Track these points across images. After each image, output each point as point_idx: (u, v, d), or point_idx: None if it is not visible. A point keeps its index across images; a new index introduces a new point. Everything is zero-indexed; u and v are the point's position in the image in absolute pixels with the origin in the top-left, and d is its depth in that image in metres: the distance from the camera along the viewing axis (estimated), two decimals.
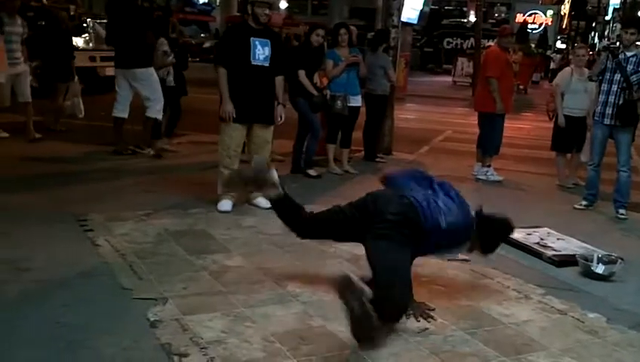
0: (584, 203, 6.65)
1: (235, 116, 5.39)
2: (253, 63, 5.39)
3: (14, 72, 7.82)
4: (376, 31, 9.00)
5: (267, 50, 5.45)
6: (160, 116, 7.58)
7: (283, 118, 5.79)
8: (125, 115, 7.62)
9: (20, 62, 7.89)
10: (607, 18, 52.88)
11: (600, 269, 4.48)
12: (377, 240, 3.43)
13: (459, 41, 33.33)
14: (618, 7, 48.91)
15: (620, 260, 4.58)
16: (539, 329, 3.58)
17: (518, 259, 4.87)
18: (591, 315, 3.81)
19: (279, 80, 5.67)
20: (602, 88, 6.38)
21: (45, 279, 3.82)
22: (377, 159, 8.47)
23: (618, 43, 23.36)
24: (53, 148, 7.69)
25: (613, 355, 3.35)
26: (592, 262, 4.54)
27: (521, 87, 21.14)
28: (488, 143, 7.83)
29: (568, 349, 3.36)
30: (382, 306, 3.05)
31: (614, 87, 6.26)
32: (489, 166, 7.85)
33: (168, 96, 7.68)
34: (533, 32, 36.64)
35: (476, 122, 8.05)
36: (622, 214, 6.35)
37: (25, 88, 7.99)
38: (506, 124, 7.97)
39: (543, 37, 38.32)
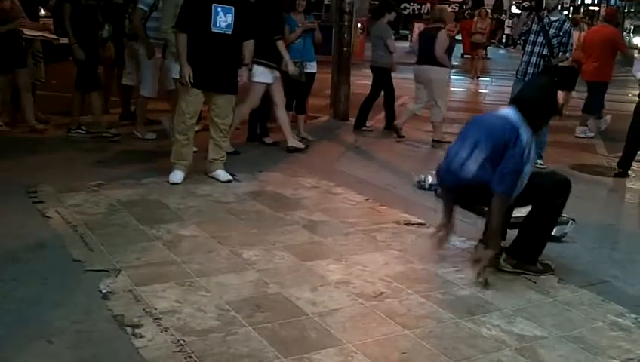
0: None
1: (192, 81, 5.22)
2: (213, 30, 5.21)
3: None
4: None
5: (230, 18, 5.25)
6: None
7: (243, 79, 5.68)
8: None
9: None
10: None
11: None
12: None
13: (415, 6, 33.19)
14: None
15: (571, 221, 4.66)
16: (492, 291, 3.63)
17: (473, 222, 4.91)
18: (543, 276, 3.88)
19: (247, 44, 5.55)
20: (526, 49, 6.81)
21: None
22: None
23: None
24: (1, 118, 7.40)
25: (565, 314, 3.42)
26: None
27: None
28: (596, 106, 8.95)
29: (520, 309, 3.42)
30: None
31: (537, 49, 6.71)
32: (586, 126, 9.04)
33: None
34: None
35: None
36: (540, 164, 6.77)
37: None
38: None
39: (499, 2, 38.46)
